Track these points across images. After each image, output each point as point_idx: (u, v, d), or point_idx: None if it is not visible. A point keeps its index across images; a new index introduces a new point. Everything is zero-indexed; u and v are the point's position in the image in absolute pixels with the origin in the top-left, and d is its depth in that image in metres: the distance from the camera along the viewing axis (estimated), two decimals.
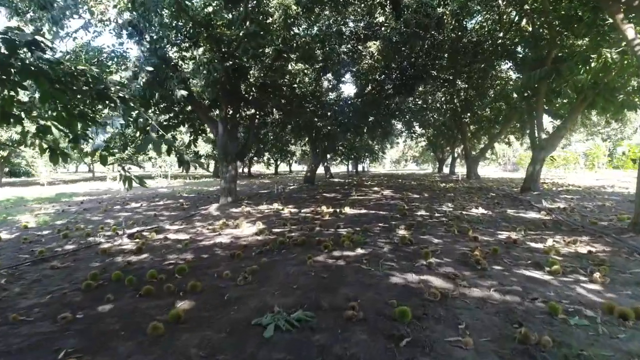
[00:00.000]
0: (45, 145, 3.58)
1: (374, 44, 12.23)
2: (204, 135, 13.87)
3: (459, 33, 13.37)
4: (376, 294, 3.03)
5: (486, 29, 14.18)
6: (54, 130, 3.67)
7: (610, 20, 6.66)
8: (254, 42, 8.15)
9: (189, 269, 3.81)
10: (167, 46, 9.05)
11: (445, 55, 14.01)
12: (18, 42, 2.96)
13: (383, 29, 12.04)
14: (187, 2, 8.47)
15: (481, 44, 13.75)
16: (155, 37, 8.18)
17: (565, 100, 12.66)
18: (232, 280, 3.47)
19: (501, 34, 13.73)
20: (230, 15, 9.05)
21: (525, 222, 6.51)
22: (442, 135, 28.49)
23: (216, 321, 2.58)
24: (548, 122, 18.09)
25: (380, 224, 6.43)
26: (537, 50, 11.15)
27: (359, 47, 12.81)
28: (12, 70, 2.99)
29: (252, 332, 2.40)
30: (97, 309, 2.83)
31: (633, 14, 5.81)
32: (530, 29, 12.16)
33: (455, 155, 30.31)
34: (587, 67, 7.42)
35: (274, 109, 13.54)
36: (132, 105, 4.19)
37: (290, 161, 41.20)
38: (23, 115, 3.67)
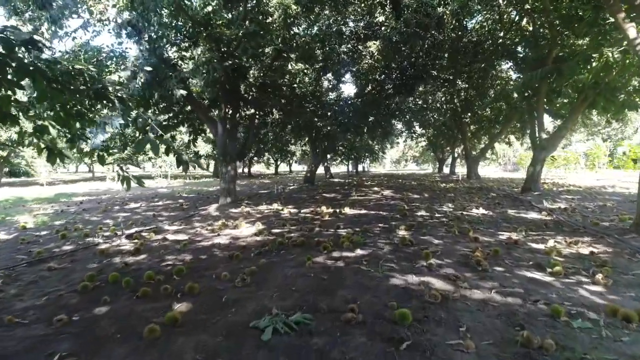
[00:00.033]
0: (42, 145, 3.55)
1: (374, 43, 12.19)
2: (203, 135, 13.84)
3: (459, 33, 13.33)
4: (376, 296, 3.00)
5: (486, 29, 14.15)
6: (51, 130, 3.64)
7: (612, 20, 6.62)
8: (253, 42, 8.11)
9: (187, 270, 3.77)
10: (167, 46, 9.02)
11: (446, 55, 13.97)
12: (15, 41, 2.93)
13: (383, 28, 11.99)
14: (186, 2, 8.44)
15: (481, 43, 13.71)
16: (154, 36, 8.14)
17: (565, 100, 12.61)
18: (230, 281, 3.43)
19: (501, 34, 13.70)
20: (230, 15, 9.02)
21: (526, 222, 6.47)
22: (442, 135, 28.43)
23: (213, 324, 2.54)
24: (549, 122, 18.06)
25: (380, 225, 6.39)
26: (538, 50, 11.11)
27: (359, 46, 12.77)
28: (9, 69, 2.96)
29: (249, 335, 2.36)
30: (93, 312, 2.79)
31: (634, 13, 5.77)
32: (530, 28, 12.12)
33: (456, 155, 30.26)
34: (589, 67, 7.37)
35: (274, 109, 13.50)
36: (130, 105, 4.16)
37: (290, 161, 41.16)
38: (21, 115, 3.64)
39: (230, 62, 8.32)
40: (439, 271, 3.64)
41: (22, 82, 3.30)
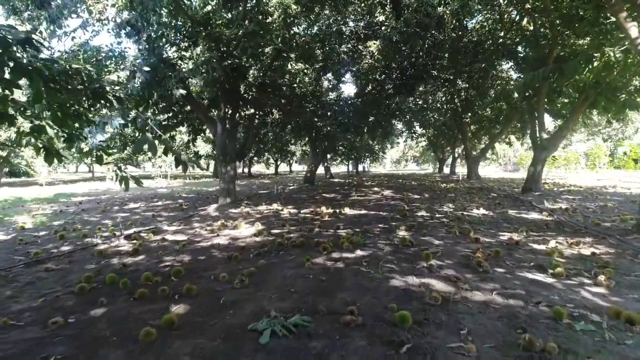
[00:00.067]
0: (40, 145, 3.52)
1: (374, 43, 12.16)
2: (203, 135, 13.81)
3: (460, 32, 13.30)
4: (375, 298, 2.96)
5: (487, 29, 14.12)
6: (48, 129, 3.61)
7: (613, 19, 6.58)
8: (253, 42, 8.08)
9: (185, 272, 3.73)
10: (166, 46, 8.99)
11: (446, 54, 13.95)
12: (11, 40, 2.90)
13: (383, 28, 11.97)
14: (185, 1, 8.41)
15: (482, 43, 13.68)
16: (153, 36, 8.11)
17: (566, 100, 12.57)
18: (228, 283, 3.40)
19: (502, 34, 13.67)
20: (230, 15, 9.00)
21: (527, 223, 6.43)
22: (443, 135, 28.41)
23: (211, 327, 2.50)
24: (549, 122, 18.01)
25: (380, 225, 6.35)
26: (538, 50, 11.07)
27: (359, 46, 12.74)
28: (6, 68, 2.93)
29: (247, 338, 2.33)
30: (89, 314, 2.76)
31: (636, 13, 5.73)
32: (531, 28, 12.08)
33: (456, 155, 30.23)
34: (590, 66, 7.33)
35: (274, 109, 13.47)
36: (128, 104, 4.13)
37: (291, 161, 41.12)
38: (18, 115, 3.62)
39: (229, 61, 8.29)
40: (439, 272, 3.60)
41: (19, 82, 3.28)
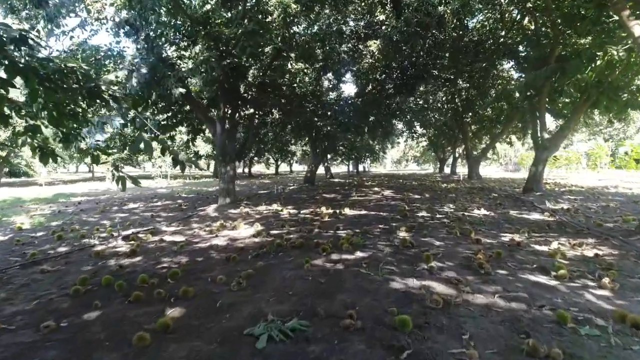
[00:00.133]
0: (35, 145, 3.48)
1: (375, 43, 12.10)
2: (203, 135, 13.76)
3: (460, 32, 13.23)
4: (375, 301, 2.90)
5: (488, 28, 14.05)
6: (44, 129, 3.56)
7: (616, 17, 6.52)
8: (252, 41, 8.03)
9: (182, 273, 3.68)
10: (166, 45, 8.94)
11: (447, 54, 13.88)
12: (5, 38, 2.85)
13: (384, 27, 11.91)
14: (184, 0, 8.36)
15: (483, 43, 13.62)
16: (152, 35, 8.06)
17: (567, 100, 12.50)
18: (226, 285, 3.34)
19: (503, 33, 13.59)
20: (229, 14, 8.94)
21: (528, 223, 6.37)
22: (443, 135, 28.33)
23: (206, 330, 2.45)
24: (551, 122, 17.96)
25: (380, 226, 6.30)
26: (540, 49, 11.01)
27: (360, 46, 12.68)
28: (0, 67, 2.88)
29: (244, 343, 2.27)
30: (83, 317, 2.70)
31: (639, 11, 5.67)
32: (532, 27, 12.02)
33: (457, 155, 30.14)
34: (593, 65, 7.27)
35: (274, 109, 13.41)
36: (125, 104, 4.08)
37: (291, 161, 41.06)
38: (13, 114, 3.57)
39: (228, 61, 8.23)
40: (440, 274, 3.54)
41: (14, 81, 3.23)
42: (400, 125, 23.94)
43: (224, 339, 2.33)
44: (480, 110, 20.18)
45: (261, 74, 10.93)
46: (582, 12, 8.67)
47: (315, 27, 11.07)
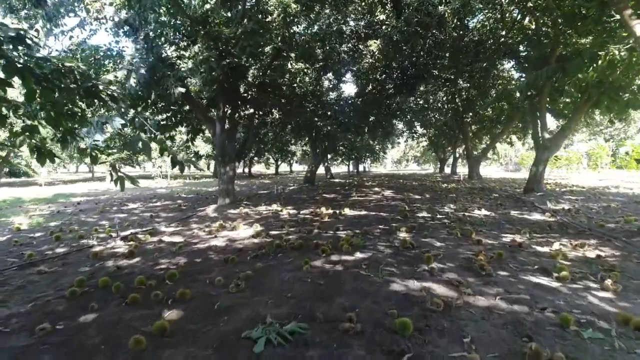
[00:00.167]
0: (33, 145, 3.44)
1: (375, 42, 12.07)
2: (203, 135, 13.72)
3: (461, 32, 13.19)
4: (375, 303, 2.86)
5: (488, 28, 14.00)
6: (41, 129, 3.53)
7: (617, 17, 6.47)
8: (252, 41, 7.99)
9: (180, 275, 3.64)
10: (165, 45, 8.91)
11: (447, 54, 13.83)
12: (2, 37, 2.82)
13: (384, 27, 11.88)
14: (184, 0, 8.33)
15: (483, 42, 13.56)
16: (152, 35, 8.03)
17: (568, 100, 12.45)
18: (224, 287, 3.30)
19: (503, 33, 13.54)
20: (229, 14, 8.91)
21: (529, 224, 6.33)
22: (444, 135, 28.28)
23: (204, 334, 2.41)
24: (552, 122, 17.90)
25: (380, 226, 6.26)
26: (540, 49, 10.95)
27: (360, 46, 12.65)
28: None
29: (242, 346, 2.23)
30: (79, 320, 2.67)
31: None
32: (533, 27, 11.97)
33: (457, 155, 30.09)
34: (595, 65, 7.22)
35: (274, 109, 13.38)
36: (122, 104, 4.05)
37: (291, 161, 41.03)
38: (11, 113, 3.54)
39: (228, 60, 8.20)
40: (441, 276, 3.51)
41: (10, 81, 3.19)
42: (400, 125, 23.93)
43: (222, 342, 2.29)
44: (480, 110, 20.13)
45: (261, 73, 10.89)
46: (583, 12, 8.62)
47: (316, 27, 11.03)
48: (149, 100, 8.78)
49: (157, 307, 2.87)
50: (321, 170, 27.21)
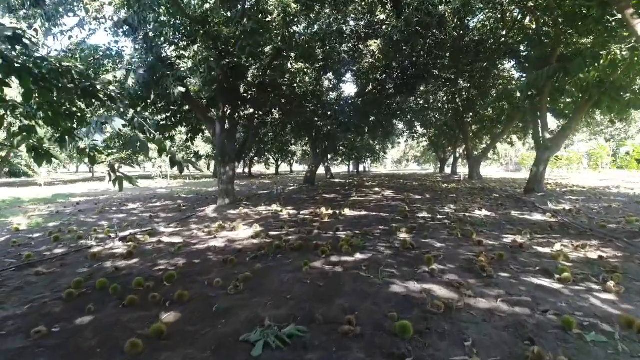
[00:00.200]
0: (31, 145, 3.42)
1: (375, 42, 12.04)
2: (203, 135, 13.69)
3: (461, 32, 13.16)
4: (375, 305, 2.83)
5: (489, 28, 13.97)
6: (38, 129, 3.50)
7: (619, 16, 6.44)
8: (252, 40, 7.96)
9: (178, 276, 3.61)
10: (165, 45, 8.88)
11: (447, 54, 13.81)
12: None
13: (384, 27, 11.85)
14: None
15: (483, 42, 13.54)
16: (151, 34, 8.00)
17: (569, 100, 12.42)
18: (222, 288, 3.27)
19: (504, 32, 13.51)
20: (229, 13, 8.88)
21: (530, 224, 6.30)
22: (444, 135, 28.24)
23: (201, 337, 2.38)
24: (553, 122, 17.86)
25: (380, 227, 6.23)
26: (541, 49, 10.92)
27: (360, 46, 12.62)
28: None
29: (239, 350, 2.20)
30: (75, 322, 2.64)
31: None
32: (533, 26, 11.94)
33: (457, 155, 30.06)
34: (596, 64, 7.18)
35: (274, 109, 13.35)
36: (121, 104, 4.02)
37: (291, 161, 41.00)
38: (9, 113, 3.51)
39: (228, 60, 8.17)
40: (441, 277, 3.47)
41: (7, 80, 3.17)
42: (400, 125, 23.92)
43: (219, 345, 2.27)
44: (481, 110, 20.10)
45: (261, 73, 10.86)
46: (584, 11, 8.58)
47: (316, 27, 11.01)
48: (149, 100, 8.75)
49: (155, 309, 2.84)
50: (321, 170, 27.17)
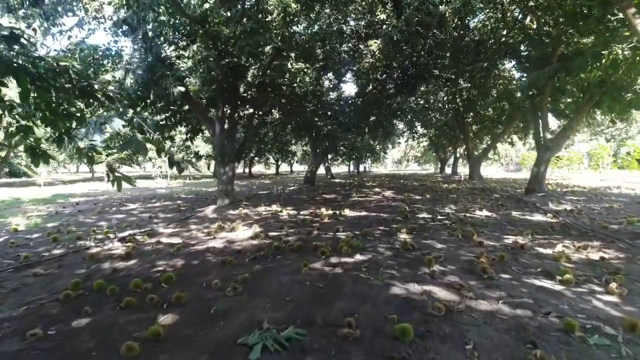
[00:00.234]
0: (29, 145, 3.40)
1: (375, 42, 12.00)
2: (203, 135, 13.66)
3: (462, 31, 13.12)
4: (375, 308, 2.80)
5: (489, 27, 13.93)
6: (35, 130, 3.47)
7: (620, 15, 6.41)
8: (251, 40, 7.93)
9: (176, 278, 3.58)
10: (164, 44, 8.85)
11: (448, 54, 13.77)
12: None
13: (384, 27, 11.80)
14: None
15: (484, 42, 13.50)
16: (151, 34, 7.97)
17: (570, 100, 12.37)
18: (221, 290, 3.24)
19: (504, 32, 13.47)
20: (228, 13, 8.85)
21: (531, 225, 6.26)
22: (444, 135, 28.20)
23: (199, 340, 2.35)
24: (553, 122, 17.82)
25: (380, 227, 6.19)
26: (542, 49, 10.88)
27: (360, 45, 12.59)
28: None
29: (237, 353, 2.17)
30: (72, 324, 2.61)
31: None
32: (534, 26, 11.90)
33: (458, 155, 30.02)
34: (598, 64, 7.15)
35: (274, 109, 13.32)
36: (119, 104, 3.99)
37: (291, 161, 40.98)
38: (6, 113, 3.49)
39: (227, 60, 8.14)
40: (442, 279, 3.44)
41: (4, 80, 3.14)
42: (401, 125, 23.88)
43: (217, 348, 2.24)
44: (481, 110, 20.06)
45: (261, 73, 10.83)
46: (585, 11, 8.54)
47: (316, 27, 10.97)
48: (148, 100, 8.73)
49: (152, 311, 2.81)
50: (321, 170, 27.14)
